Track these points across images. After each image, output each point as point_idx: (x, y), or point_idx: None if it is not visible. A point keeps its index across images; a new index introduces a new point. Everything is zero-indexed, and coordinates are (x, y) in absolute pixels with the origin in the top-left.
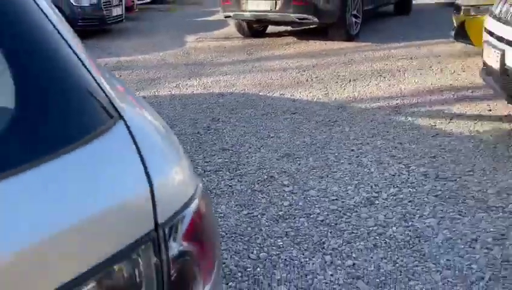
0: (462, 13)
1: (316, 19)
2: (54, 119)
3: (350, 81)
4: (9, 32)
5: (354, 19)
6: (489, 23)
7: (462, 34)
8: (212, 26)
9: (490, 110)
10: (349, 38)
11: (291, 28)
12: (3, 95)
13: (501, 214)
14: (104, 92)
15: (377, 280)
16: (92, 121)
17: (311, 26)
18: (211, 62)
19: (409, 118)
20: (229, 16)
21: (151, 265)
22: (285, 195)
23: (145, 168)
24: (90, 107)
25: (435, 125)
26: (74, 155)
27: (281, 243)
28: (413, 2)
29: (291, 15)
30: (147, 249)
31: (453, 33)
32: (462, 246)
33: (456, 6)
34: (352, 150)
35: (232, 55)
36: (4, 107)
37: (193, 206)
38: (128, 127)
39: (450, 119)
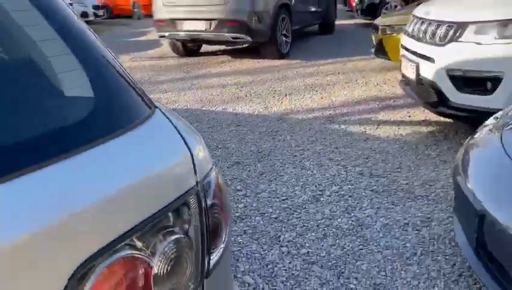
0: (379, 32)
1: (249, 38)
2: (115, 108)
3: (286, 95)
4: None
5: (284, 38)
6: (405, 40)
7: (381, 50)
8: (144, 46)
9: (410, 116)
10: (281, 56)
11: (226, 47)
12: (87, 91)
13: (426, 201)
14: (140, 88)
15: (329, 263)
16: (142, 108)
17: (244, 45)
18: (149, 81)
19: (342, 126)
20: (164, 36)
21: (196, 212)
22: (240, 198)
23: (185, 141)
24: (139, 98)
25: (365, 131)
26: (142, 128)
27: (241, 240)
28: (336, 22)
29: (226, 34)
30: (192, 200)
31: (373, 50)
32: (397, 230)
33: (374, 26)
34: (295, 156)
35: (170, 73)
36: (89, 96)
37: (214, 172)
38: (164, 114)
39: (378, 126)
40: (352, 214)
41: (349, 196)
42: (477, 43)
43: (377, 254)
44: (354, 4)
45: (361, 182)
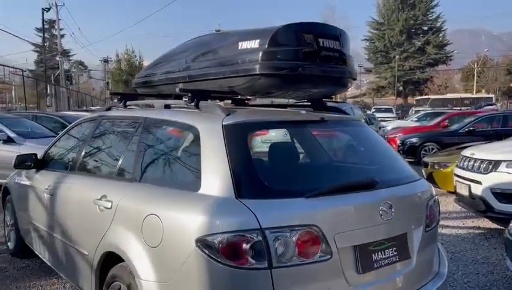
0: (429, 167)
1: None
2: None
3: None
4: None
5: None
6: (458, 171)
7: (431, 180)
8: None
9: (463, 224)
10: None
11: None
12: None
13: (486, 265)
14: None
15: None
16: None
17: None
18: None
19: None
20: None
21: (436, 202)
22: None
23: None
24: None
25: None
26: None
27: None
28: None
29: None
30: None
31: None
32: (472, 276)
33: (425, 163)
34: None
35: None
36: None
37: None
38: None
39: (441, 229)
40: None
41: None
42: (508, 173)
43: (461, 284)
44: (396, 146)
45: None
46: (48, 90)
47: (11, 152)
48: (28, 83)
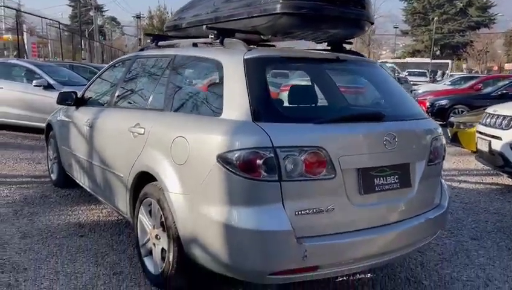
0: (455, 127)
1: None
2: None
3: None
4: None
5: None
6: (480, 127)
7: (455, 140)
8: None
9: (482, 181)
10: None
11: None
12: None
13: (497, 216)
14: None
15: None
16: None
17: None
18: None
19: None
20: None
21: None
22: None
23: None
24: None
25: (452, 185)
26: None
27: None
28: None
29: None
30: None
31: (449, 140)
32: (482, 223)
33: (450, 123)
34: None
35: None
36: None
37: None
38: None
39: (459, 183)
40: (455, 216)
41: (451, 213)
42: None
43: (469, 229)
44: (425, 108)
45: (456, 205)
46: (83, 45)
47: (50, 98)
48: (63, 38)
